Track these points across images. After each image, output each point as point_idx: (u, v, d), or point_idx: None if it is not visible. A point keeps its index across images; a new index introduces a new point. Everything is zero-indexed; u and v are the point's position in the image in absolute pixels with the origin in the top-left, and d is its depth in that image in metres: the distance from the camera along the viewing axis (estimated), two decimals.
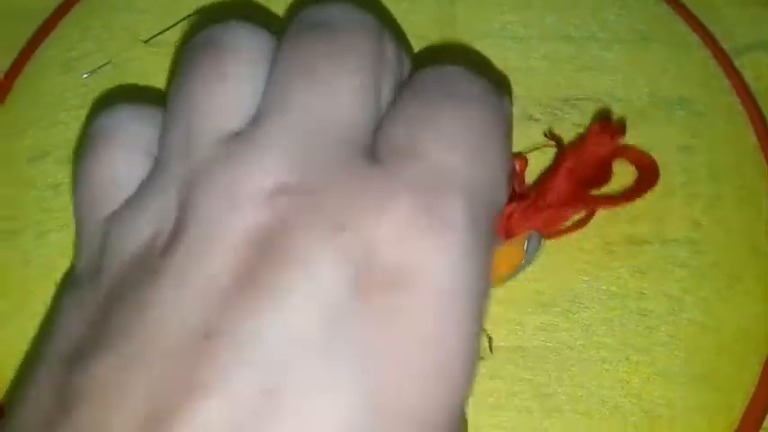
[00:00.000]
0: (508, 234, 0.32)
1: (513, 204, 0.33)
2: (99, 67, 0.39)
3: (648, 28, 0.40)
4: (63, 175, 0.37)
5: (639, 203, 0.36)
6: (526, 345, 0.34)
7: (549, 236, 0.35)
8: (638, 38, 0.40)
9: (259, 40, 0.26)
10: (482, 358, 0.34)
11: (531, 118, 0.38)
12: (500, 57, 0.40)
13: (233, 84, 0.25)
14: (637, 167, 0.36)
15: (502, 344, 0.34)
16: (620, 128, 0.36)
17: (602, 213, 0.36)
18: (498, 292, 0.35)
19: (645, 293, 0.35)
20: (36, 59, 0.40)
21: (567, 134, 0.38)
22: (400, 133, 0.23)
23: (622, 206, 0.36)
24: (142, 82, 0.39)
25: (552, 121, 0.38)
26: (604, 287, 0.35)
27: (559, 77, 0.39)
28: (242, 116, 0.24)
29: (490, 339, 0.34)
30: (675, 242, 0.36)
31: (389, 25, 0.28)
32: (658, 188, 0.37)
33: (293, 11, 0.38)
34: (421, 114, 0.24)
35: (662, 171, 0.37)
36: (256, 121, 0.24)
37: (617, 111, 0.38)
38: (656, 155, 0.37)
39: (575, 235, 0.36)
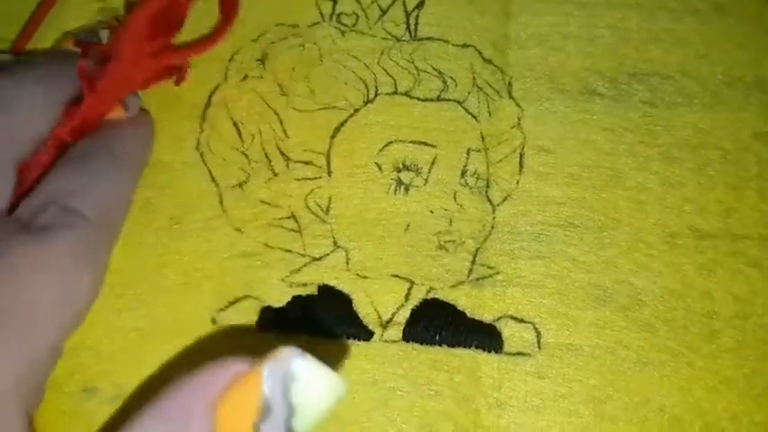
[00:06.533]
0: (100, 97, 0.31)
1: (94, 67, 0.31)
2: None
3: (725, 0, 0.37)
4: None
5: (709, 194, 0.33)
6: (578, 342, 0.31)
7: (147, 87, 0.34)
8: (712, 10, 0.36)
9: None
10: (529, 355, 0.31)
11: (593, 92, 0.35)
12: (560, 24, 0.36)
13: None
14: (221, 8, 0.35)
15: (551, 340, 0.31)
16: None
17: (665, 203, 0.33)
18: (550, 283, 0.32)
19: (711, 293, 0.32)
20: None
21: (635, 113, 0.34)
22: None
23: (205, 52, 0.35)
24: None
25: (617, 96, 0.35)
26: (667, 284, 0.32)
27: (626, 49, 0.36)
28: None
29: (539, 334, 0.31)
30: (747, 238, 0.33)
31: None
32: (729, 178, 0.33)
33: None
34: None
35: (734, 159, 0.34)
36: None
37: (688, 88, 0.35)
38: (728, 141, 0.34)
39: (635, 224, 0.33)
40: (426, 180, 0.33)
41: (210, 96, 0.35)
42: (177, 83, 0.35)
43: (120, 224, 0.31)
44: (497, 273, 0.32)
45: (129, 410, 0.27)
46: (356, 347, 0.31)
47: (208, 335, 0.31)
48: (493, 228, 0.33)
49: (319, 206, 0.33)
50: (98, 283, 0.29)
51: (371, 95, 0.35)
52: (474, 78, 0.35)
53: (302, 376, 0.20)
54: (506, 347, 0.31)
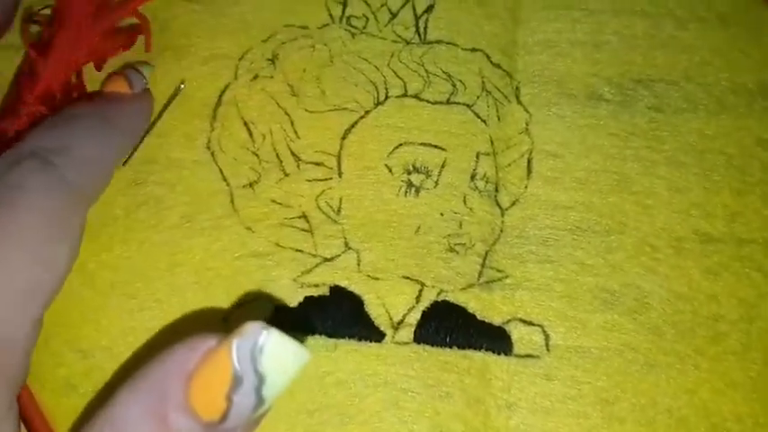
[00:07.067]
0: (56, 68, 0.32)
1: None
2: None
3: (729, 9, 0.37)
4: None
5: (714, 199, 0.34)
6: (587, 345, 0.31)
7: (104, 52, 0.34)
8: (716, 18, 0.37)
9: None
10: (537, 357, 0.31)
11: (600, 98, 0.35)
12: (568, 30, 0.36)
13: None
14: None
15: (560, 342, 0.31)
16: None
17: (671, 207, 0.33)
18: (558, 286, 0.32)
19: (717, 297, 0.32)
20: None
21: (642, 118, 0.35)
22: None
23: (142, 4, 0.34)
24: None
25: (623, 101, 0.35)
26: (673, 288, 0.32)
27: (632, 55, 0.36)
28: None
29: (547, 337, 0.31)
30: (752, 243, 0.33)
31: None
32: (734, 183, 0.34)
33: None
34: None
35: (739, 164, 0.34)
36: None
37: (693, 95, 0.35)
38: (733, 146, 0.34)
39: (642, 228, 0.33)
40: (436, 183, 0.33)
41: (221, 95, 0.35)
42: (147, 49, 0.35)
43: (99, 191, 0.30)
44: (506, 276, 0.32)
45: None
46: (367, 348, 0.31)
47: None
48: (502, 231, 0.33)
49: (330, 207, 0.33)
50: (74, 250, 0.28)
51: (382, 97, 0.35)
52: (483, 82, 0.35)
53: (268, 348, 0.22)
54: (515, 350, 0.31)
